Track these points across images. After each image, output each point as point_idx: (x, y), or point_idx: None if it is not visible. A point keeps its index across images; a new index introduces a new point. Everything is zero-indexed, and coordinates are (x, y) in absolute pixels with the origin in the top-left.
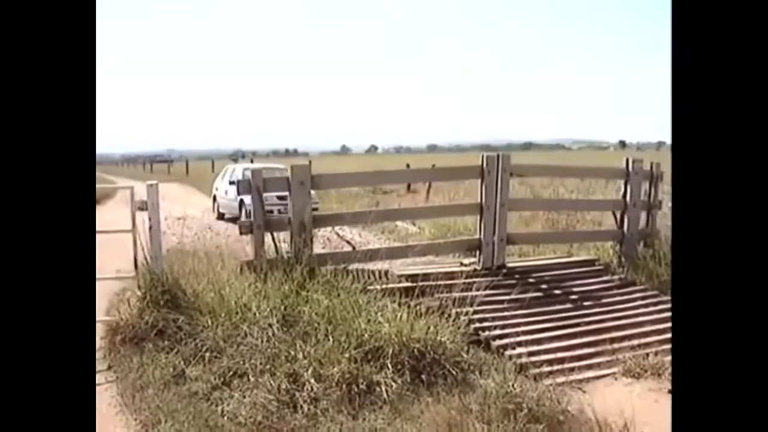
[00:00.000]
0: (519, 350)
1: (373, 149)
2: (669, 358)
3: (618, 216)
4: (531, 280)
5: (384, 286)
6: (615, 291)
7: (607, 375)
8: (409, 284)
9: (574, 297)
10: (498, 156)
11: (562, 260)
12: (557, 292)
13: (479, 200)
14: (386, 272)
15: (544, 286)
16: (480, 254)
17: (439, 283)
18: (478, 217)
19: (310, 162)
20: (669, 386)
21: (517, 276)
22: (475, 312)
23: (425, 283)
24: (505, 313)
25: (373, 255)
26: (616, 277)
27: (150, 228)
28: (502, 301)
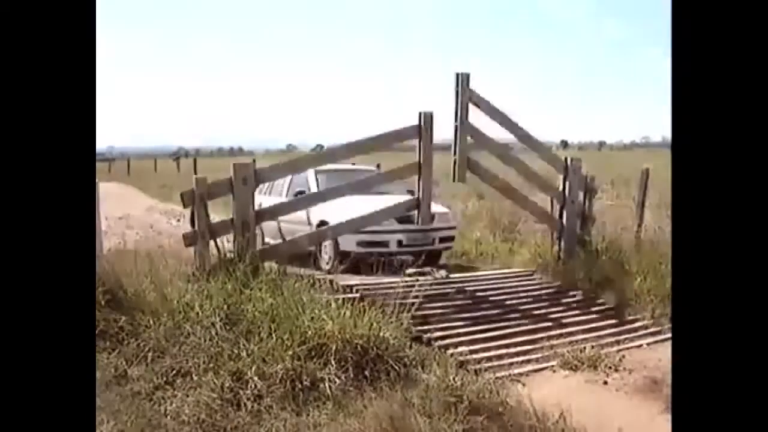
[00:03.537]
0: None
1: (319, 148)
2: (605, 350)
3: (558, 208)
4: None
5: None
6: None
7: (546, 368)
8: (353, 295)
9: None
10: None
11: (504, 271)
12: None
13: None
14: (331, 281)
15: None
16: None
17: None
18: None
19: (254, 160)
20: (604, 378)
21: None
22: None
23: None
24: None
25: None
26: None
27: None
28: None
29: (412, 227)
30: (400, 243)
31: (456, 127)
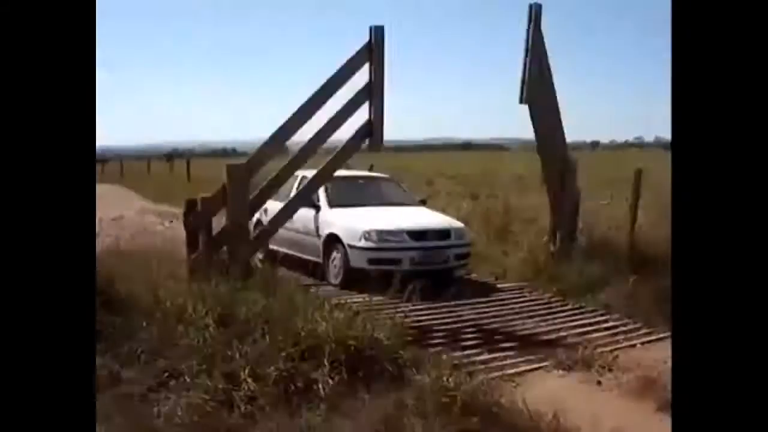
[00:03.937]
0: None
1: None
2: (598, 351)
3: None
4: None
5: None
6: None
7: (539, 368)
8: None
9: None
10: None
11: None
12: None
13: None
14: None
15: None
16: None
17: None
18: None
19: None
20: (598, 377)
21: None
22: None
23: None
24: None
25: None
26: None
27: None
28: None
29: (427, 244)
30: (413, 261)
31: (526, 50)
